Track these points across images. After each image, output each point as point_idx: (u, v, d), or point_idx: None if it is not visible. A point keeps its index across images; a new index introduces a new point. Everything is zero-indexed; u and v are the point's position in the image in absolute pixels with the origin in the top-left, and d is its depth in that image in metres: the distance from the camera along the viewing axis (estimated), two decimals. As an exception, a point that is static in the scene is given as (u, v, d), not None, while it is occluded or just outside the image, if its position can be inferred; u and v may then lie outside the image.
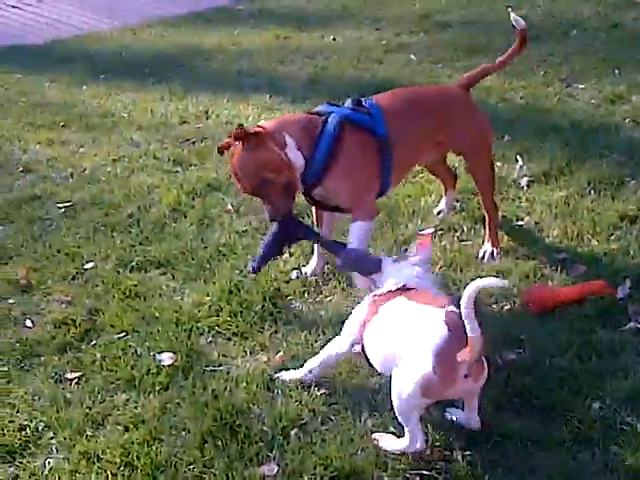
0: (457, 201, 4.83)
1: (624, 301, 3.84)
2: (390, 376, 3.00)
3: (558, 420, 3.14)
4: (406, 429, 2.98)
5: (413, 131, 3.98)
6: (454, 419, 3.14)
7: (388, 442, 3.06)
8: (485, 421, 3.11)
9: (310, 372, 3.38)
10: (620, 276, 4.01)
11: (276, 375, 3.42)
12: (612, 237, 4.40)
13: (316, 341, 3.67)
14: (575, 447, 3.03)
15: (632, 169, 5.16)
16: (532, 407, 3.20)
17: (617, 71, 7.12)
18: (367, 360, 3.23)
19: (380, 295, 3.25)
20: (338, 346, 3.32)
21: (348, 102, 3.96)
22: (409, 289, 3.18)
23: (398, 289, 3.19)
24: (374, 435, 3.10)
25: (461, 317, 2.80)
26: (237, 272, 4.21)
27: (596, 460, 2.97)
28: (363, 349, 3.24)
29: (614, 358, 3.47)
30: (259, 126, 3.75)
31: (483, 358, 2.90)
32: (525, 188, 5.04)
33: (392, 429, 3.13)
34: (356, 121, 3.83)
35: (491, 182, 4.34)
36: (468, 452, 3.03)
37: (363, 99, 3.98)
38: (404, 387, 2.89)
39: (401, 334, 2.99)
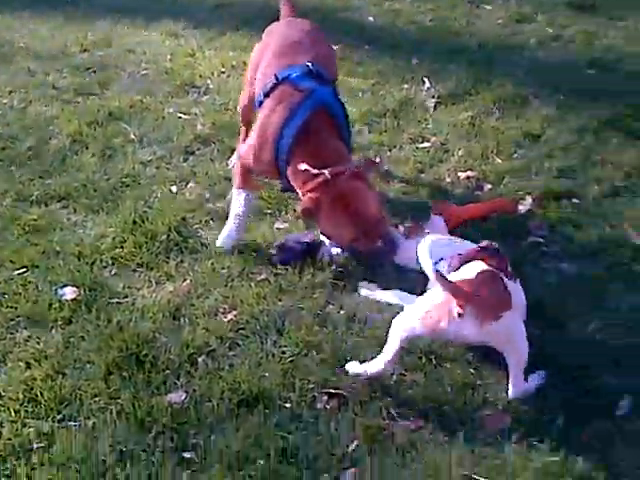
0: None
1: (526, 216, 3.91)
2: None
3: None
4: (385, 348, 2.99)
5: None
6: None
7: (354, 368, 3.07)
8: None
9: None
10: (522, 193, 4.09)
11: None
12: (515, 155, 4.47)
13: (222, 268, 3.64)
14: (478, 359, 3.10)
15: (536, 88, 5.22)
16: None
17: (523, -9, 7.14)
18: None
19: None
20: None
21: (298, 77, 3.63)
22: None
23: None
24: (347, 366, 3.09)
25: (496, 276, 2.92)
26: (141, 203, 4.12)
27: (497, 369, 3.03)
28: None
29: (515, 270, 3.52)
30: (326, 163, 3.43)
31: (504, 313, 2.84)
32: (432, 110, 5.05)
33: (296, 349, 3.18)
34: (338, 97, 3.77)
35: None
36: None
37: (310, 68, 3.66)
38: (409, 314, 2.95)
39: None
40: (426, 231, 3.46)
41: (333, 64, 4.06)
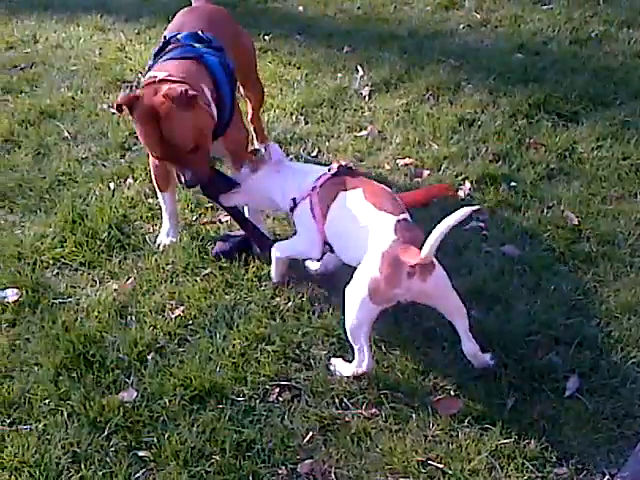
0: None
1: (466, 201, 3.97)
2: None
3: (409, 321, 3.23)
4: (355, 350, 2.97)
5: (234, 57, 3.75)
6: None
7: (341, 366, 3.05)
8: (338, 328, 3.19)
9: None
10: (461, 178, 4.15)
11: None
12: (452, 140, 4.52)
13: (167, 264, 3.61)
14: (425, 344, 3.15)
15: (468, 73, 5.29)
16: (384, 311, 3.24)
17: (450, -23, 7.22)
18: (331, 249, 3.27)
19: (324, 183, 3.26)
20: (308, 248, 3.33)
21: (184, 36, 3.57)
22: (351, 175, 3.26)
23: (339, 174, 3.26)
24: (331, 360, 3.08)
25: (409, 223, 3.00)
26: (80, 201, 4.06)
27: (446, 354, 3.10)
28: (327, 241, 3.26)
29: (458, 256, 3.59)
30: (171, 75, 3.27)
31: (434, 261, 2.86)
32: (367, 98, 5.08)
33: (246, 342, 3.17)
34: (226, 63, 3.59)
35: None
36: (321, 360, 3.11)
37: (199, 33, 3.59)
38: (355, 294, 2.91)
39: (360, 239, 3.03)
40: (266, 160, 3.45)
41: (238, 45, 3.95)
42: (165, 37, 3.63)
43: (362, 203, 3.12)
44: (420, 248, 2.80)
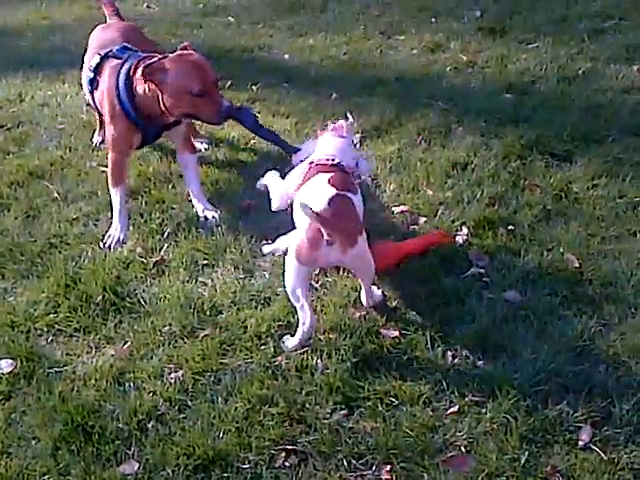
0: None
1: (464, 247, 3.91)
2: None
3: (416, 375, 3.16)
4: (298, 309, 3.31)
5: None
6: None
7: (290, 342, 3.36)
8: (342, 385, 3.12)
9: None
10: (458, 223, 4.09)
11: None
12: (446, 185, 4.47)
13: (164, 326, 3.53)
14: (434, 399, 3.07)
15: (458, 115, 5.27)
16: (389, 366, 3.21)
17: (434, 20, 7.26)
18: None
19: (315, 164, 3.63)
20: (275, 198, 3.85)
21: (118, 50, 4.32)
22: (335, 168, 3.57)
23: (324, 165, 3.60)
24: (282, 340, 3.39)
25: (347, 200, 3.36)
26: (72, 264, 3.99)
27: (452, 408, 3.02)
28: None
29: (460, 304, 3.53)
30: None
31: (358, 238, 3.24)
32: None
33: (249, 405, 3.09)
34: None
35: None
36: (327, 420, 3.02)
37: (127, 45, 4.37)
38: (288, 257, 3.31)
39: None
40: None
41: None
42: (100, 54, 4.36)
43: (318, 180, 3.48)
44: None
